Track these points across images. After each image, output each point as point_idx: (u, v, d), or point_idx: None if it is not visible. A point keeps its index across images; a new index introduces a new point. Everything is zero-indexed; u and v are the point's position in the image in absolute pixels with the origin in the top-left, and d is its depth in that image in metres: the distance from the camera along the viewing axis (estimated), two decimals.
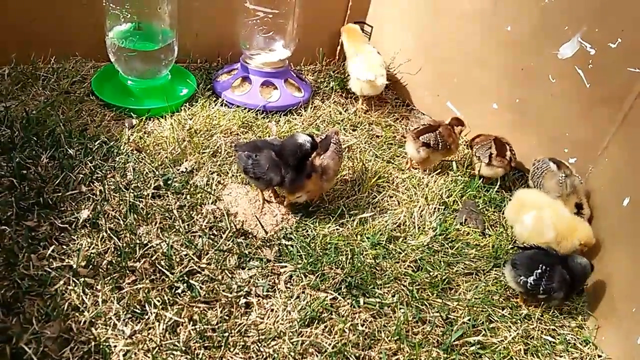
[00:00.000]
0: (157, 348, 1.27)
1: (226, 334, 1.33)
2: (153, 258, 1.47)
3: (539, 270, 1.55)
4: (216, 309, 1.39)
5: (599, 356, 1.51)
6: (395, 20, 2.49)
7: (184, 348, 1.28)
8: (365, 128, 2.26)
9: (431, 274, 1.63)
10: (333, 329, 1.42)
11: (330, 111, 2.32)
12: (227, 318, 1.38)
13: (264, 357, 1.32)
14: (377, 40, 2.60)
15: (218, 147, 1.94)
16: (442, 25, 2.28)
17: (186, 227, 1.59)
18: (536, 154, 2.07)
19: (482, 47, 2.14)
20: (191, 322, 1.34)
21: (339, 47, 2.65)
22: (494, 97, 2.15)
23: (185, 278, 1.44)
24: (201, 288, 1.43)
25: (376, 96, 2.41)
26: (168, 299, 1.38)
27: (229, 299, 1.43)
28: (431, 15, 2.31)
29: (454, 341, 1.44)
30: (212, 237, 1.59)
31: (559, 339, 1.54)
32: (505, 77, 2.10)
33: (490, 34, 2.10)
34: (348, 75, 2.39)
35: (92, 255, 1.43)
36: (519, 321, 1.56)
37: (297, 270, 1.55)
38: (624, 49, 1.74)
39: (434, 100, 2.38)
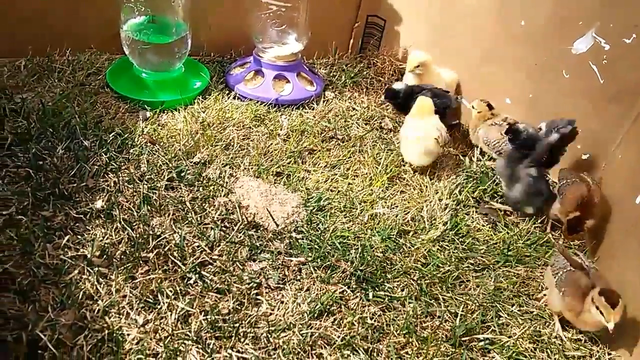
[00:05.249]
0: (169, 337, 1.29)
1: (237, 325, 1.35)
2: (166, 249, 1.49)
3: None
4: (227, 300, 1.41)
5: (609, 354, 1.50)
6: (409, 13, 2.48)
7: (195, 338, 1.30)
8: (377, 122, 2.26)
9: (441, 268, 1.64)
10: (342, 322, 1.43)
11: (342, 105, 2.33)
12: (238, 309, 1.40)
13: (274, 347, 1.34)
14: (389, 33, 2.60)
15: (230, 140, 1.95)
16: (456, 18, 2.27)
17: (198, 219, 1.61)
18: None
19: (496, 41, 2.13)
20: (202, 313, 1.36)
21: (351, 41, 2.65)
22: (507, 92, 2.14)
23: (197, 269, 1.46)
24: (212, 279, 1.45)
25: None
26: (180, 289, 1.40)
27: (240, 290, 1.44)
28: (445, 8, 2.30)
29: (463, 336, 1.45)
30: (223, 229, 1.61)
31: (567, 336, 1.53)
32: (518, 72, 2.09)
33: (504, 28, 2.09)
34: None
35: (106, 245, 1.45)
36: (528, 319, 1.56)
37: (308, 263, 1.56)
38: (639, 45, 1.72)
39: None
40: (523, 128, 1.90)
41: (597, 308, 1.40)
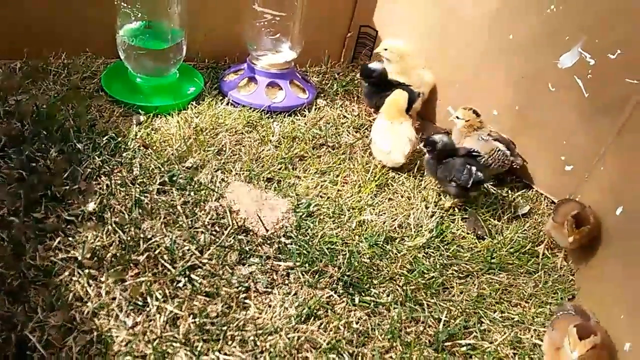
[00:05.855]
0: (158, 339, 1.31)
1: (225, 328, 1.37)
2: (156, 252, 1.51)
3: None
4: (216, 304, 1.44)
5: None
6: (400, 24, 2.52)
7: (183, 340, 1.32)
8: (368, 130, 2.29)
9: (426, 275, 1.67)
10: (328, 326, 1.46)
11: (333, 113, 2.36)
12: (226, 312, 1.43)
13: (261, 351, 1.36)
14: None
15: (223, 145, 1.98)
16: (447, 31, 2.30)
17: (189, 222, 1.63)
18: (534, 160, 2.11)
19: (485, 53, 2.17)
20: (191, 316, 1.39)
21: (343, 50, 2.70)
22: (494, 104, 2.18)
23: (187, 272, 1.49)
24: (201, 283, 1.48)
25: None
26: (169, 292, 1.42)
27: (229, 294, 1.47)
28: (436, 21, 2.34)
29: (445, 341, 1.48)
30: (214, 233, 1.63)
31: None
32: (506, 85, 2.13)
33: (493, 41, 2.13)
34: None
35: (97, 247, 1.47)
36: (510, 325, 1.59)
37: (296, 268, 1.59)
38: (623, 60, 1.77)
39: (435, 103, 2.41)
40: (439, 139, 1.96)
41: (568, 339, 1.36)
